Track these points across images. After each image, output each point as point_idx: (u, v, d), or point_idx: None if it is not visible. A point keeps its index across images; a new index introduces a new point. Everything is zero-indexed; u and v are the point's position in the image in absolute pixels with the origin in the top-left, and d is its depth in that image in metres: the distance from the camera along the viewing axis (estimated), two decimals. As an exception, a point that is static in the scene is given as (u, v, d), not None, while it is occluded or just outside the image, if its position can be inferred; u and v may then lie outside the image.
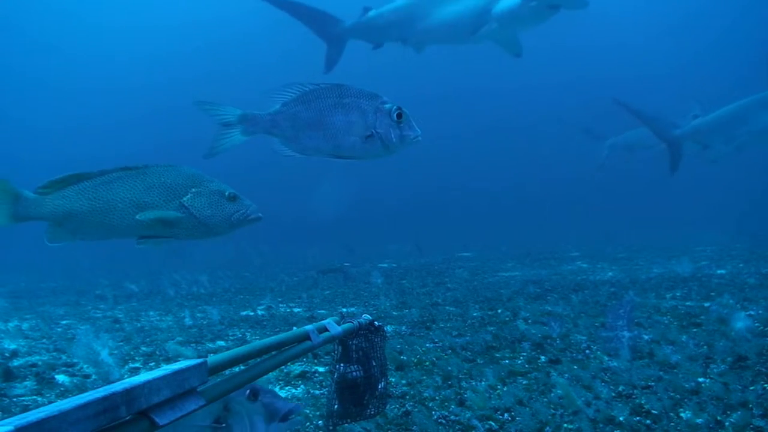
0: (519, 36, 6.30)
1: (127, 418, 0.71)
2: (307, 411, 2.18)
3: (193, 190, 1.95)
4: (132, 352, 3.40)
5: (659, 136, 7.48)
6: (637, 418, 1.98)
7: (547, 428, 1.93)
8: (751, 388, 2.20)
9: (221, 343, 3.62)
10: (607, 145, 11.13)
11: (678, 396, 2.16)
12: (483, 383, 2.43)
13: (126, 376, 2.86)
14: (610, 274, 6.42)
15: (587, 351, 2.89)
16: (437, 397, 2.29)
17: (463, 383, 2.45)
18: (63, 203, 1.86)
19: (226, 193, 2.00)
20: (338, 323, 1.46)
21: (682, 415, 1.98)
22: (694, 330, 3.22)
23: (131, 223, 1.90)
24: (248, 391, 1.30)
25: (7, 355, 3.43)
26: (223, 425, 1.26)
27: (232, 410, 1.28)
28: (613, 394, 2.22)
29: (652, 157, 10.06)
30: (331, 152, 2.21)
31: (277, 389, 2.52)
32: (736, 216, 15.48)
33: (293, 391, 2.51)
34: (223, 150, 2.23)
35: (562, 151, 29.90)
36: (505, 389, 2.34)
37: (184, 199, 1.93)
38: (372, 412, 1.62)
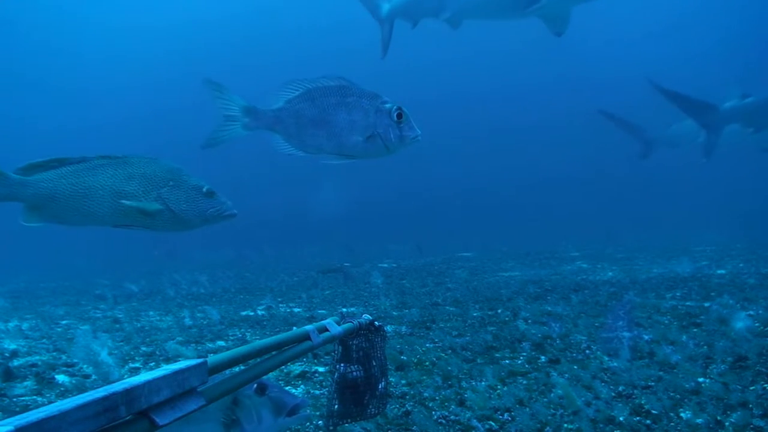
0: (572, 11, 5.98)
1: (127, 418, 0.71)
2: (307, 410, 2.18)
3: (171, 183, 1.99)
4: (132, 352, 3.40)
5: (696, 118, 6.90)
6: (637, 418, 1.98)
7: (548, 428, 1.93)
8: (751, 388, 2.20)
9: (221, 343, 3.62)
10: (650, 138, 10.63)
11: (678, 396, 2.16)
12: (483, 383, 2.43)
13: (126, 376, 2.86)
14: (610, 274, 6.42)
15: (587, 351, 2.89)
16: (437, 397, 2.29)
17: (463, 383, 2.45)
18: (45, 185, 1.87)
19: (204, 189, 2.03)
20: (338, 323, 1.46)
21: (682, 415, 1.98)
22: (694, 330, 3.22)
23: (110, 210, 1.92)
24: (256, 385, 1.31)
25: (7, 355, 3.43)
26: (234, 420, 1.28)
27: (240, 404, 1.30)
28: (613, 394, 2.22)
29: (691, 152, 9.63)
30: (333, 151, 2.21)
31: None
32: (736, 216, 15.48)
33: (293, 391, 2.51)
34: (221, 141, 2.22)
35: (562, 152, 29.93)
36: (505, 389, 2.34)
37: (162, 191, 1.96)
38: (372, 412, 1.62)
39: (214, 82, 2.18)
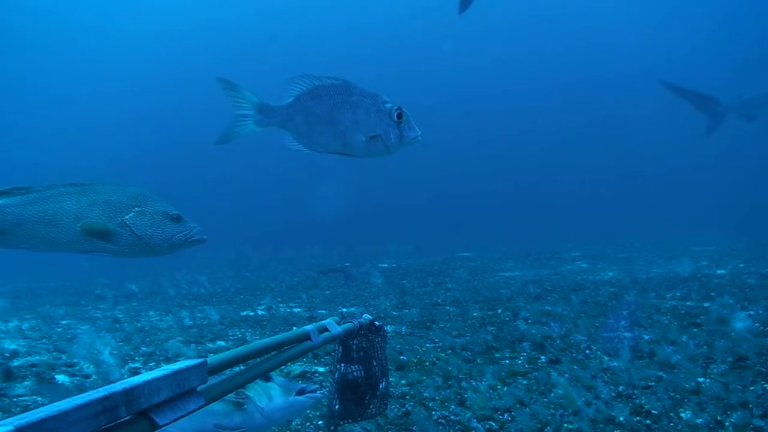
0: None
1: (127, 418, 0.71)
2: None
3: (137, 209, 1.97)
4: (132, 352, 3.40)
5: None
6: (637, 418, 1.98)
7: (548, 428, 1.93)
8: (751, 388, 2.20)
9: (221, 343, 3.62)
10: (721, 109, 10.08)
11: (678, 396, 2.16)
12: (483, 383, 2.43)
13: (126, 376, 2.86)
14: (611, 274, 6.42)
15: (587, 351, 2.89)
16: (437, 398, 2.29)
17: (463, 383, 2.45)
18: (10, 212, 1.87)
19: (171, 214, 2.01)
20: (338, 323, 1.46)
21: (682, 415, 1.98)
22: (694, 330, 3.22)
23: (72, 236, 1.91)
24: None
25: (7, 355, 3.43)
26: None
27: (249, 386, 1.34)
28: (614, 394, 2.22)
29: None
30: (338, 150, 2.21)
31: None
32: (736, 216, 15.47)
33: (293, 391, 2.51)
34: (234, 138, 2.22)
35: (562, 153, 29.93)
36: (505, 389, 2.34)
37: (127, 217, 1.95)
38: (373, 412, 1.62)
39: (226, 80, 2.18)
